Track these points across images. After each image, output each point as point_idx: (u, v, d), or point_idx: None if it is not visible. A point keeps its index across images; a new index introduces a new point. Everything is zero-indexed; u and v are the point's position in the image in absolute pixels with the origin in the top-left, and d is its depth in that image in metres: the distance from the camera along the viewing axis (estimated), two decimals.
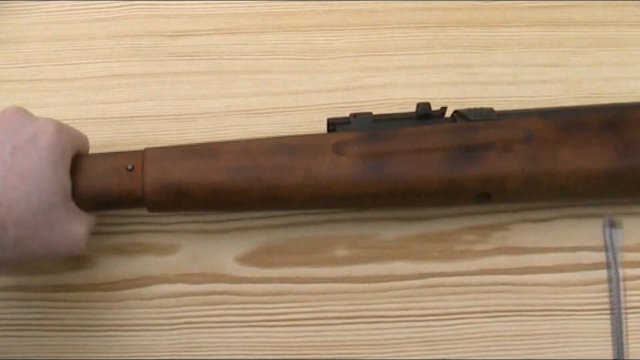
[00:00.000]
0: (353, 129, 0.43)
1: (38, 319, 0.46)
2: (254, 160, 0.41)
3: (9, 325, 0.46)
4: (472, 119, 0.43)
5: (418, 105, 0.44)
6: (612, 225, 0.47)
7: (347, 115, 0.44)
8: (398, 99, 0.50)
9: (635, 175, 0.42)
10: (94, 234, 0.47)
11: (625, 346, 0.45)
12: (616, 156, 0.41)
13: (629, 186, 0.42)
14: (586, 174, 0.41)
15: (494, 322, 0.46)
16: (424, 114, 0.43)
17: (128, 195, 0.41)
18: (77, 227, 0.40)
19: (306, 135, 0.43)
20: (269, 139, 0.43)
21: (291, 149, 0.42)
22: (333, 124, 0.44)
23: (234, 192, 0.41)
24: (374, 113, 0.44)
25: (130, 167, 0.41)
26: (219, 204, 0.42)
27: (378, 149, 0.42)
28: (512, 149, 0.41)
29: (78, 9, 0.52)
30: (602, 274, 0.47)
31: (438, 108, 0.44)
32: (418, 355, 0.46)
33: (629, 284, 0.46)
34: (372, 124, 0.43)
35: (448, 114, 0.44)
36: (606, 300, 0.46)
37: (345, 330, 0.46)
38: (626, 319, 0.46)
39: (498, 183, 0.41)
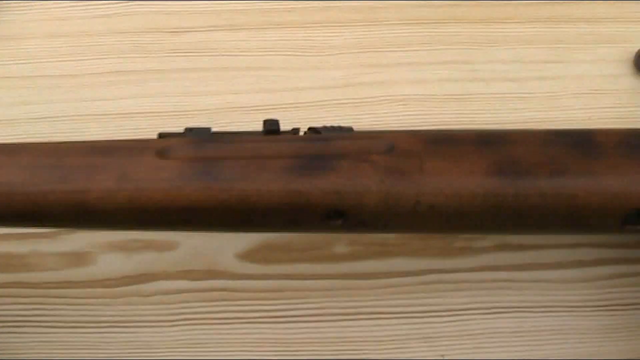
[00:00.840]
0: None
1: (37, 315, 0.46)
2: (60, 160, 0.35)
3: (8, 322, 0.46)
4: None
5: (265, 121, 0.38)
6: None
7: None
8: (398, 95, 0.50)
9: (515, 197, 0.35)
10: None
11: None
12: (491, 173, 0.35)
13: (509, 211, 0.36)
14: (457, 191, 0.35)
15: (494, 318, 0.46)
16: (272, 130, 0.37)
17: None
18: None
19: (129, 139, 0.37)
20: (84, 141, 0.37)
21: (106, 150, 0.36)
22: (165, 137, 0.38)
23: (33, 195, 0.35)
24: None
25: None
26: (16, 211, 0.35)
27: (209, 153, 0.35)
28: (370, 159, 0.35)
29: (78, 6, 0.52)
30: (602, 270, 0.47)
31: (289, 128, 0.38)
32: (418, 352, 0.46)
33: (630, 280, 0.46)
34: (209, 137, 0.37)
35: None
36: (606, 297, 0.46)
37: (345, 327, 0.46)
38: (628, 315, 0.46)
39: (352, 197, 0.35)
